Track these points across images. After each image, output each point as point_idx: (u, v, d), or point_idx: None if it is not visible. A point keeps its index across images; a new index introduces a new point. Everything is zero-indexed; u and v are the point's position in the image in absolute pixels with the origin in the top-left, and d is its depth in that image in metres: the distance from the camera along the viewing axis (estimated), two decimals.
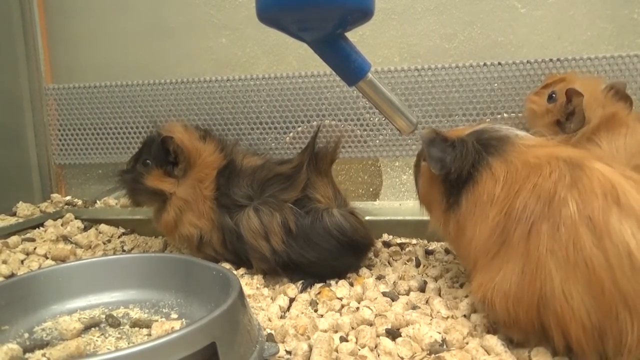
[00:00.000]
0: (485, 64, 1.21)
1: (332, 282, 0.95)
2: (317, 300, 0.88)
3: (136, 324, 0.71)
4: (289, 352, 0.71)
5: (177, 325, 0.68)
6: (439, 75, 1.25)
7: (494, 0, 1.23)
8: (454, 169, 0.75)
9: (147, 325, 0.70)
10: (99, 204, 1.47)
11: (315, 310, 0.86)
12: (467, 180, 0.74)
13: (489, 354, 0.67)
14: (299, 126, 1.34)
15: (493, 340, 0.68)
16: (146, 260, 0.83)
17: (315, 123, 1.32)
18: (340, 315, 0.81)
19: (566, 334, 0.61)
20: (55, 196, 1.49)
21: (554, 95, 1.00)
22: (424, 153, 0.82)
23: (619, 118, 0.90)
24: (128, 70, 1.46)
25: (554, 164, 0.66)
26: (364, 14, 0.62)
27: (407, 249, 1.12)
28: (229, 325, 0.60)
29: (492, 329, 0.73)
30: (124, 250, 1.22)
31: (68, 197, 1.51)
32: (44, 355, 0.61)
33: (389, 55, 1.32)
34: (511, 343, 0.69)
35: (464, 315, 0.78)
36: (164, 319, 0.73)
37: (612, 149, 0.85)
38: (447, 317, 0.78)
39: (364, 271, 0.99)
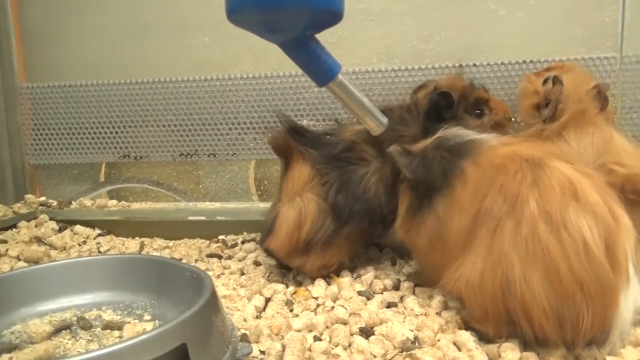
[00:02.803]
0: (461, 65, 1.23)
1: (309, 281, 0.95)
2: (293, 300, 0.88)
3: (108, 326, 0.71)
4: (262, 352, 0.71)
5: (149, 326, 0.67)
6: (416, 76, 1.26)
7: (469, 2, 1.25)
8: (419, 174, 0.79)
9: (119, 327, 0.70)
10: (74, 204, 1.45)
11: (291, 310, 0.86)
12: (441, 188, 0.76)
13: (460, 349, 0.68)
14: (277, 126, 1.34)
15: (465, 336, 0.69)
16: (119, 262, 0.82)
17: None
18: (315, 314, 0.82)
19: (529, 318, 0.64)
20: (29, 197, 1.46)
21: (549, 78, 1.01)
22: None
23: (587, 117, 0.91)
24: (105, 69, 1.45)
25: (517, 163, 0.69)
26: (333, 15, 0.63)
27: (384, 249, 1.13)
28: (201, 326, 0.59)
29: (463, 325, 0.74)
30: (100, 252, 1.21)
31: (42, 198, 1.49)
32: (10, 359, 0.60)
33: (367, 56, 1.32)
34: (483, 339, 0.71)
35: (437, 313, 0.79)
36: (136, 321, 0.72)
37: (580, 147, 0.87)
38: (420, 315, 0.79)
39: (345, 271, 1.00)
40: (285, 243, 0.92)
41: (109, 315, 0.75)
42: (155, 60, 1.42)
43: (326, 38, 1.31)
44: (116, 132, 1.43)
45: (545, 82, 1.01)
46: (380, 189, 0.93)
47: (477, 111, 0.99)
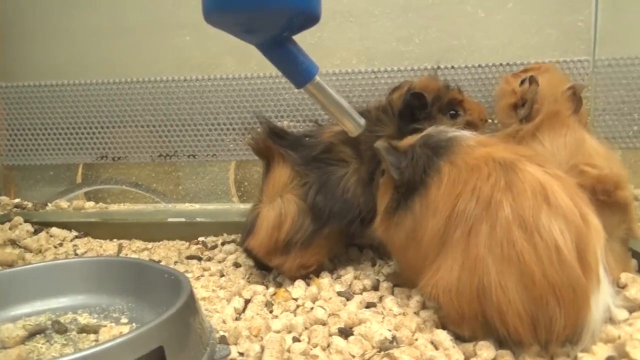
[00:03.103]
0: (439, 67, 1.24)
1: (289, 282, 0.95)
2: (273, 301, 0.88)
3: (84, 329, 0.70)
4: (241, 354, 0.71)
5: (126, 330, 0.67)
6: (396, 78, 1.27)
7: (448, 5, 1.27)
8: (408, 174, 0.78)
9: (95, 330, 0.69)
10: (50, 206, 1.43)
11: (271, 312, 0.86)
12: (419, 186, 0.76)
13: (437, 348, 0.69)
14: (258, 127, 1.33)
15: (442, 335, 0.70)
16: (96, 264, 0.81)
17: None
18: (295, 315, 0.82)
19: (505, 322, 0.64)
20: (3, 198, 1.43)
21: (526, 79, 1.02)
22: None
23: (561, 118, 0.92)
24: (82, 68, 1.42)
25: (491, 166, 0.70)
26: (310, 17, 0.63)
27: (364, 250, 1.14)
28: (178, 328, 0.59)
29: (440, 325, 0.75)
30: (76, 254, 1.19)
31: (17, 200, 1.46)
32: None
33: (347, 58, 1.33)
34: (459, 338, 0.72)
35: (415, 312, 0.80)
36: (113, 324, 0.71)
37: (554, 148, 0.89)
38: (398, 315, 0.79)
39: (324, 272, 1.00)
40: (264, 242, 0.92)
41: (84, 319, 0.74)
42: (134, 60, 1.41)
43: (306, 39, 1.30)
44: (93, 133, 1.41)
45: (522, 82, 1.03)
46: (359, 190, 0.93)
47: (451, 112, 1.00)
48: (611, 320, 0.72)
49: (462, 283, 0.67)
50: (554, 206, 0.65)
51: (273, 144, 0.96)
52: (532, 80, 0.97)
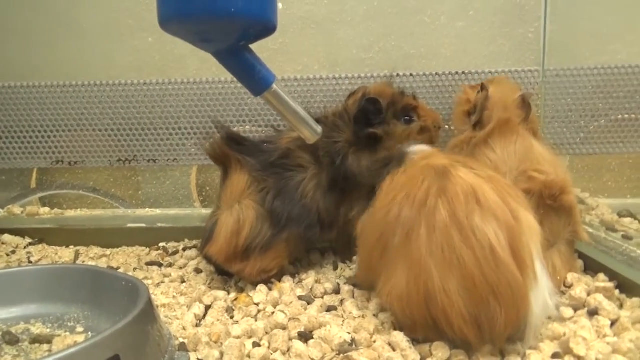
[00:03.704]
0: (398, 74, 1.27)
1: (250, 287, 0.96)
2: (234, 307, 0.88)
3: (37, 339, 0.68)
4: None
5: (81, 339, 0.66)
6: (357, 84, 1.29)
7: (407, 15, 1.30)
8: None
9: (49, 340, 0.67)
10: (1, 212, 1.37)
11: (232, 317, 0.86)
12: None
13: (394, 350, 0.71)
14: (216, 134, 1.33)
15: (399, 337, 0.72)
16: (50, 272, 0.79)
17: (236, 129, 1.32)
18: (256, 320, 0.82)
19: (451, 325, 0.66)
20: None
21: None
22: None
23: (511, 125, 0.96)
24: (36, 70, 1.38)
25: (427, 173, 0.74)
26: (266, 27, 0.64)
27: (326, 254, 1.15)
28: (134, 336, 0.59)
29: (398, 326, 0.77)
30: (30, 262, 1.15)
31: None
32: None
33: (308, 64, 1.34)
34: (415, 340, 0.74)
35: (374, 315, 0.82)
36: (67, 333, 0.70)
37: (505, 155, 0.92)
38: (357, 317, 0.81)
39: (286, 276, 1.01)
40: (224, 249, 0.92)
41: (37, 329, 0.72)
42: (91, 62, 1.37)
43: (268, 45, 1.31)
44: (48, 137, 1.37)
45: (478, 92, 1.07)
46: (318, 194, 0.95)
47: (405, 117, 1.03)
48: (558, 318, 0.76)
49: (411, 289, 0.69)
50: (485, 207, 0.67)
51: (230, 150, 0.96)
52: (483, 88, 1.01)
